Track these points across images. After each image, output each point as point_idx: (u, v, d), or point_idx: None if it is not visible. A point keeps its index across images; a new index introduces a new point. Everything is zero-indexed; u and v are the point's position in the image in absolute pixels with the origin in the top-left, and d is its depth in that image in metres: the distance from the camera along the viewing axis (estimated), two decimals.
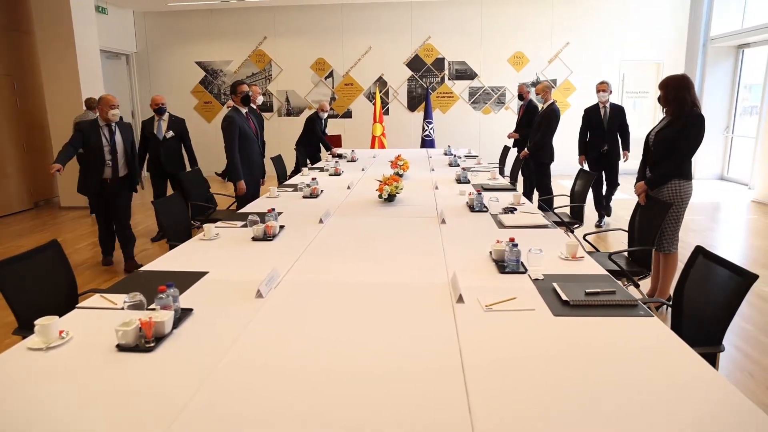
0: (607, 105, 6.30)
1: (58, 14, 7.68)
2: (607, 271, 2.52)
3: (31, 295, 2.31)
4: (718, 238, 6.11)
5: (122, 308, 2.05)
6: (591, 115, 6.45)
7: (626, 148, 6.40)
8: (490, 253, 2.70)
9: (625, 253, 3.71)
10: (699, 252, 2.34)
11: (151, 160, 6.03)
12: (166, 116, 5.95)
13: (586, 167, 6.24)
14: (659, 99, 3.69)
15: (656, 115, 10.48)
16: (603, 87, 6.27)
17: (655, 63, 10.35)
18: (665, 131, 3.62)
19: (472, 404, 1.43)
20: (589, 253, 3.63)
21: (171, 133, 5.95)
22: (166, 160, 5.95)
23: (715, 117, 9.72)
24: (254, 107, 6.11)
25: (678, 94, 3.54)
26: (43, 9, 7.71)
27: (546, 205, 5.26)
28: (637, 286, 3.33)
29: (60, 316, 1.92)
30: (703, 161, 9.86)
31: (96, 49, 8.39)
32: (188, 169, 5.98)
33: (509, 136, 7.50)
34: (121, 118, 5.00)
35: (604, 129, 6.31)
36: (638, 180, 3.84)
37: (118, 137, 4.89)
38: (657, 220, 3.37)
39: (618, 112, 6.34)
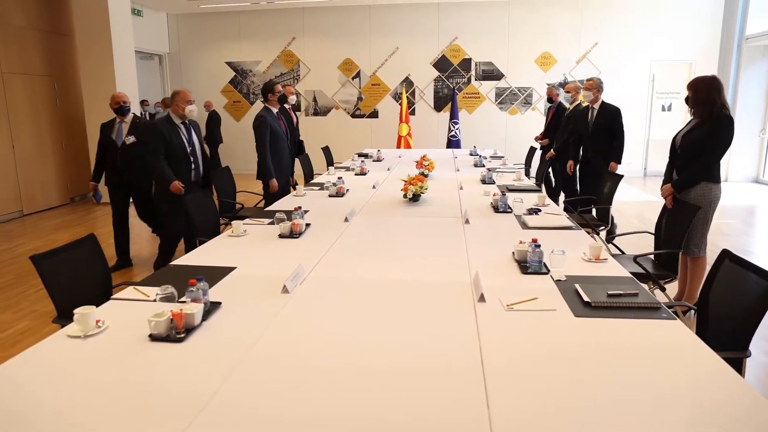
0: (596, 106, 5.55)
1: (97, 17, 7.94)
2: (633, 274, 2.51)
3: (69, 286, 2.41)
4: (751, 242, 5.98)
5: (154, 300, 2.13)
6: (577, 116, 5.90)
7: (615, 158, 5.42)
8: (513, 253, 2.72)
9: (651, 256, 3.67)
10: (725, 255, 2.31)
11: (108, 171, 5.12)
12: (129, 117, 5.10)
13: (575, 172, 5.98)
14: (687, 100, 3.65)
15: (687, 117, 10.29)
16: (588, 84, 5.59)
17: (686, 63, 10.15)
18: (693, 133, 3.58)
19: (491, 402, 1.46)
20: (614, 255, 3.63)
21: (132, 139, 5.02)
22: (125, 170, 5.04)
23: (750, 118, 9.51)
24: (287, 107, 6.18)
25: (709, 96, 3.49)
26: (83, 13, 7.97)
27: (572, 206, 5.23)
28: (663, 289, 3.30)
29: (96, 306, 2.00)
30: (737, 163, 9.66)
31: (131, 50, 8.63)
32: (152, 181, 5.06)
33: (537, 140, 7.32)
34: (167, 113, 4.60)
35: (588, 133, 5.63)
36: (665, 182, 3.80)
37: (194, 135, 4.49)
38: (684, 222, 3.34)
39: (607, 114, 5.45)
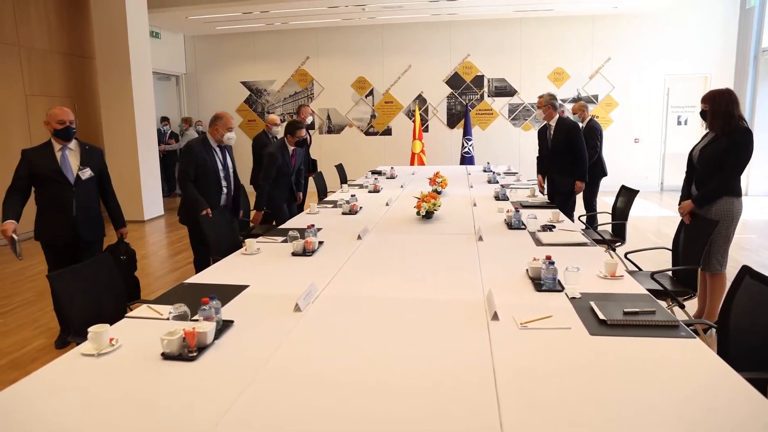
0: (552, 123, 5.20)
1: (116, 40, 8.13)
2: (650, 291, 2.47)
3: (83, 304, 2.43)
4: None
5: (167, 318, 2.14)
6: (540, 134, 5.67)
7: (578, 176, 5.13)
8: (527, 270, 2.69)
9: (669, 273, 3.61)
10: (746, 272, 2.26)
11: (51, 217, 3.67)
12: (74, 144, 3.66)
13: (543, 190, 5.82)
14: (702, 114, 3.61)
15: (702, 131, 10.19)
16: (538, 103, 5.28)
17: (702, 76, 10.07)
18: (711, 147, 3.53)
19: (504, 421, 1.44)
20: (631, 272, 3.57)
21: (88, 173, 3.63)
22: (83, 218, 3.65)
23: None
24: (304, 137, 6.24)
25: (727, 109, 3.45)
26: (104, 36, 8.17)
27: (588, 222, 5.18)
28: (682, 306, 3.24)
29: (111, 324, 2.02)
30: (756, 177, 9.51)
31: (149, 71, 8.80)
32: (105, 235, 3.93)
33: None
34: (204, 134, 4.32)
35: (548, 151, 5.38)
36: (682, 198, 3.75)
37: (228, 159, 4.31)
38: (703, 238, 3.29)
39: (563, 130, 5.12)
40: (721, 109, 3.47)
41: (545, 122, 5.39)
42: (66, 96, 8.27)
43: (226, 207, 4.29)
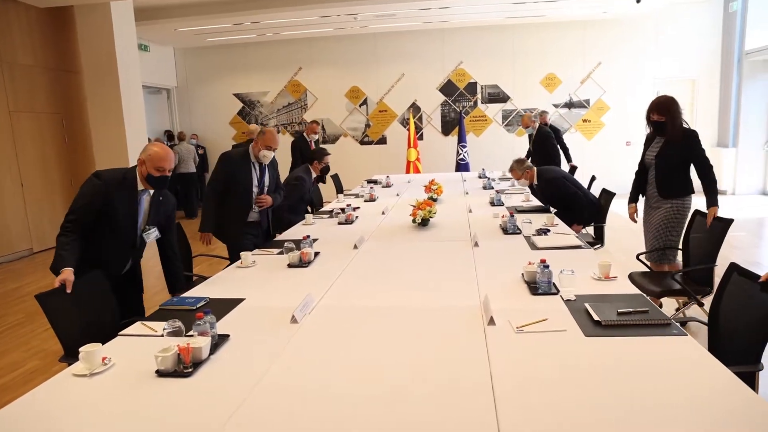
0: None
1: (103, 54, 8.05)
2: (665, 291, 2.50)
3: (76, 324, 2.41)
4: (761, 254, 5.90)
5: (162, 335, 2.12)
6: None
7: None
8: (522, 275, 2.69)
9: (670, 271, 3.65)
10: (734, 269, 2.31)
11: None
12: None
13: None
14: (659, 124, 3.73)
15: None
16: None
17: (689, 80, 10.20)
18: (668, 152, 3.73)
19: (502, 425, 1.43)
20: (644, 273, 3.66)
21: (155, 234, 2.99)
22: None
23: (753, 132, 9.56)
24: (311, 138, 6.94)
25: (678, 113, 3.69)
26: (90, 50, 8.10)
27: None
28: (701, 305, 3.30)
29: (103, 343, 2.00)
30: (743, 176, 9.67)
31: (138, 85, 8.75)
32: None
33: None
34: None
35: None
36: (632, 200, 4.04)
37: (266, 177, 4.03)
38: (716, 236, 3.32)
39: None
40: (678, 119, 3.68)
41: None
42: (53, 112, 8.18)
43: (259, 224, 4.06)
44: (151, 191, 2.88)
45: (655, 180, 3.84)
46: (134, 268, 3.05)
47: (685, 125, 3.73)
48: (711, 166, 3.70)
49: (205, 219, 3.88)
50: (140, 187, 2.83)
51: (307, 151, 7.54)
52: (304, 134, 7.50)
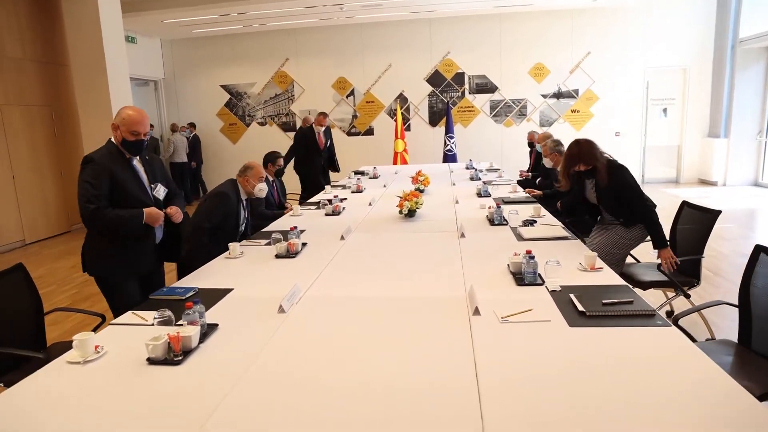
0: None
1: (91, 46, 7.99)
2: (651, 282, 2.47)
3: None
4: (752, 246, 5.94)
5: (152, 324, 2.15)
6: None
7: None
8: (508, 265, 2.73)
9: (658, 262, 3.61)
10: (760, 250, 2.29)
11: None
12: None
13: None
14: (590, 172, 3.47)
15: (684, 124, 10.35)
16: (544, 150, 5.17)
17: (681, 68, 10.24)
18: (606, 190, 3.45)
19: (485, 415, 1.47)
20: (631, 264, 3.65)
21: (162, 191, 3.01)
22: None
23: (747, 121, 9.56)
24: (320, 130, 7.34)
25: (600, 153, 3.45)
26: (78, 42, 8.04)
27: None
28: (687, 296, 3.31)
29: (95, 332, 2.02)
30: (736, 167, 9.70)
31: (126, 77, 8.68)
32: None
33: (522, 176, 7.04)
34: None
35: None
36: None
37: (248, 216, 3.96)
38: (702, 229, 3.34)
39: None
40: (601, 162, 3.41)
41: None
42: (43, 105, 8.18)
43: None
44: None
45: (605, 210, 3.63)
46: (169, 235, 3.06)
47: (611, 161, 3.49)
48: (645, 202, 3.41)
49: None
50: (127, 155, 2.84)
51: (314, 145, 7.62)
52: (313, 125, 7.62)
